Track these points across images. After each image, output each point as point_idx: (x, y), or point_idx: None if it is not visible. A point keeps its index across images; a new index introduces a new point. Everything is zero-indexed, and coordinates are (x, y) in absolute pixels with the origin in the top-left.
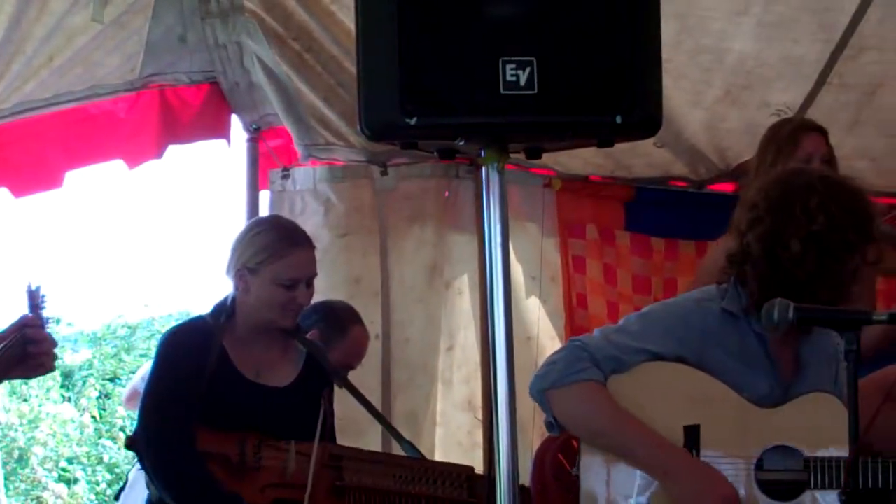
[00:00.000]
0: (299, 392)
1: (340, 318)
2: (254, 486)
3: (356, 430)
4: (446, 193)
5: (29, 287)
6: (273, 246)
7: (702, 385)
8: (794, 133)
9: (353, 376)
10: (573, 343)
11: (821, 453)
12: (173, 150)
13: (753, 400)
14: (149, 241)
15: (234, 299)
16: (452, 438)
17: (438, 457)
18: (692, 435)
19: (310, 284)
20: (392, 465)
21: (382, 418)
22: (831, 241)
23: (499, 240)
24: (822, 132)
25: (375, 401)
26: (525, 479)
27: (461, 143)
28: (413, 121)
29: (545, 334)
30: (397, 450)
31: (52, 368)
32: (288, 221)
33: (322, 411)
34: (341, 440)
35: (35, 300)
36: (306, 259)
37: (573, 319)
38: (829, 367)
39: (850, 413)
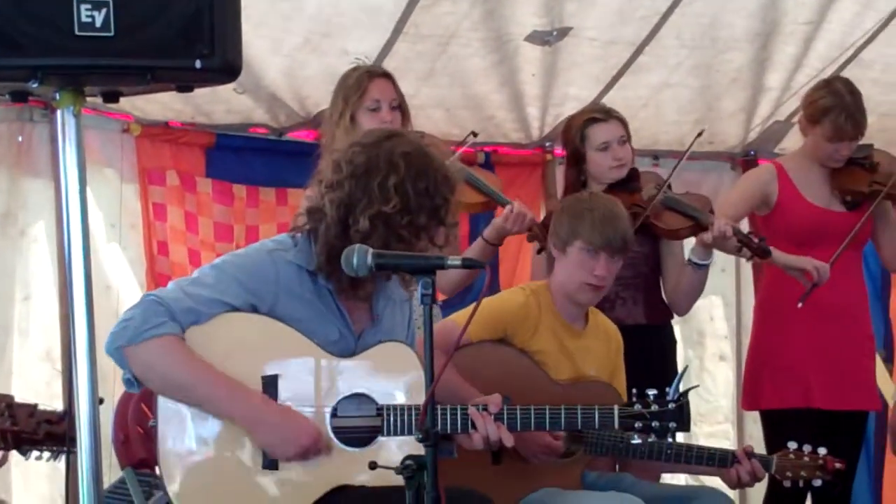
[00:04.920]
0: None
1: None
2: None
3: None
4: (20, 138)
5: None
6: None
7: (278, 335)
8: (359, 81)
9: None
10: (148, 297)
11: (393, 400)
12: None
13: (324, 347)
14: None
15: None
16: (30, 389)
17: None
18: (270, 384)
19: None
20: None
21: None
22: (400, 223)
23: (76, 186)
24: (388, 77)
25: None
26: (107, 429)
27: (35, 86)
28: None
29: (125, 283)
30: None
31: None
32: None
33: None
34: None
35: None
36: None
37: (154, 267)
38: (402, 313)
39: (426, 355)
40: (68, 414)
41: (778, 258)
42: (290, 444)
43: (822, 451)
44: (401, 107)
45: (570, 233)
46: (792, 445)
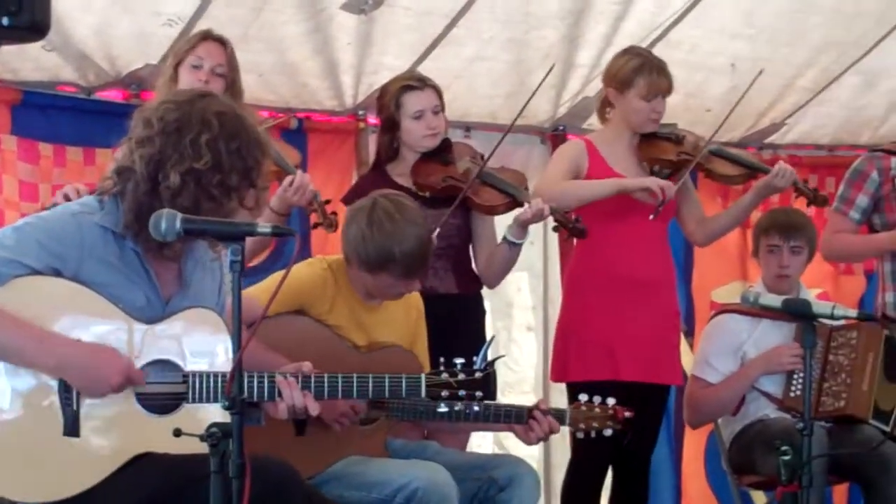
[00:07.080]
0: None
1: None
2: None
3: None
4: None
5: None
6: None
7: (81, 300)
8: (192, 38)
9: None
10: None
11: (199, 367)
12: None
13: (129, 312)
14: None
15: None
16: None
17: None
18: None
19: None
20: None
21: None
22: (211, 181)
23: None
24: (221, 42)
25: None
26: None
27: None
28: None
29: None
30: None
31: None
32: None
33: None
34: None
35: None
36: None
37: None
38: (213, 278)
39: (234, 321)
40: None
41: (620, 183)
42: (101, 377)
43: (612, 401)
44: (225, 77)
45: (380, 265)
46: (583, 398)
